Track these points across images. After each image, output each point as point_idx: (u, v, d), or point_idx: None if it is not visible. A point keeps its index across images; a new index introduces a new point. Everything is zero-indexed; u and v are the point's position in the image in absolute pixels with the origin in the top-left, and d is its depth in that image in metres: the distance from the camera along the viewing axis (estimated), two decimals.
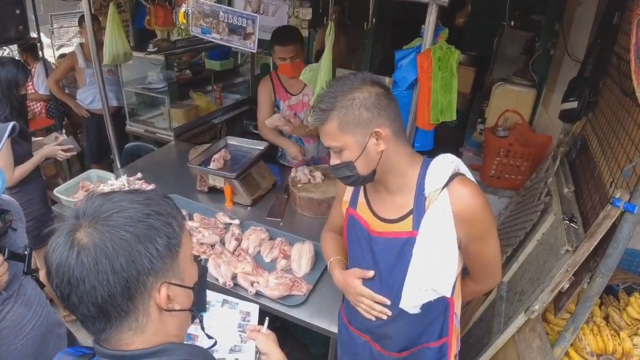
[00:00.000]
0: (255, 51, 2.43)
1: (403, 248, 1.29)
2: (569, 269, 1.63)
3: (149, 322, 0.77)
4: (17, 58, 3.35)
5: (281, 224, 2.42)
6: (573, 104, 2.36)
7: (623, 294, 2.03)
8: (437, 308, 1.41)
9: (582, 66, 2.48)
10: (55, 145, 2.56)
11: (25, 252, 1.42)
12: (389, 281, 1.36)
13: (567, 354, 1.69)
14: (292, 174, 2.61)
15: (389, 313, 1.39)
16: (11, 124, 1.45)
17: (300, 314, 1.82)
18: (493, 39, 4.21)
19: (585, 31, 2.60)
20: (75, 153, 2.67)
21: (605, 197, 1.78)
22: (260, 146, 2.80)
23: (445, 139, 3.97)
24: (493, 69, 4.21)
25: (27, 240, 1.56)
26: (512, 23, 3.83)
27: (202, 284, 0.94)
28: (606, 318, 1.86)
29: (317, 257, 2.08)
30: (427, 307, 1.36)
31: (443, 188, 1.22)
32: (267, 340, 1.19)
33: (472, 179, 1.29)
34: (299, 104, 2.75)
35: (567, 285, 1.69)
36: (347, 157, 1.21)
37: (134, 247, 0.72)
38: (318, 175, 2.57)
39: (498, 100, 3.29)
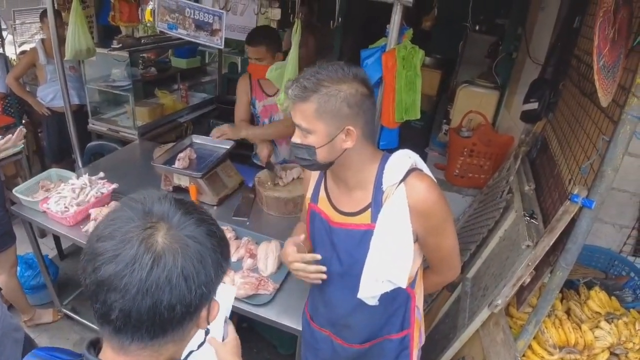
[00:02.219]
0: (222, 47, 2.40)
1: (361, 240, 1.31)
2: (529, 264, 1.68)
3: (187, 336, 0.76)
4: None
5: (248, 223, 2.39)
6: (534, 105, 2.44)
7: (584, 288, 2.10)
8: (397, 300, 1.42)
9: (543, 69, 2.55)
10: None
11: None
12: (349, 271, 1.37)
13: (530, 347, 1.73)
14: (259, 174, 2.59)
15: (324, 269, 1.36)
16: None
17: (267, 313, 1.80)
18: (459, 43, 4.30)
19: (546, 35, 2.69)
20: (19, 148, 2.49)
21: (564, 193, 1.84)
22: (226, 145, 2.75)
23: (412, 139, 4.00)
24: (459, 71, 4.29)
25: None
26: (477, 27, 3.93)
27: None
28: (568, 312, 1.92)
29: None
30: (387, 299, 1.36)
31: (400, 182, 1.24)
32: (225, 351, 1.07)
33: (430, 174, 1.31)
34: (274, 106, 2.72)
35: (528, 280, 1.73)
36: (312, 141, 1.20)
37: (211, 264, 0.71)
38: (290, 173, 2.56)
39: (462, 102, 3.35)
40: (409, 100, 1.78)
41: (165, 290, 0.65)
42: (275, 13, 3.60)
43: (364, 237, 1.29)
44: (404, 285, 1.31)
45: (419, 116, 1.89)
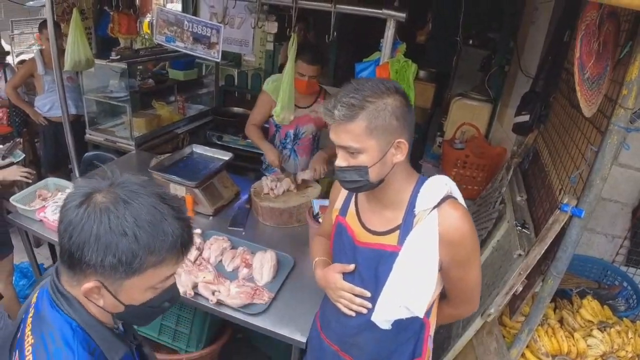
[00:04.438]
0: (219, 60, 2.44)
1: (385, 261, 1.28)
2: (521, 272, 1.70)
3: (78, 287, 0.89)
4: None
5: (243, 233, 2.40)
6: (525, 117, 2.48)
7: (576, 297, 2.13)
8: (411, 327, 1.39)
9: (534, 81, 2.61)
10: (18, 170, 2.45)
11: None
12: (367, 291, 1.35)
13: (523, 355, 1.74)
14: (254, 184, 2.62)
15: (369, 305, 1.35)
16: None
17: (263, 323, 1.81)
18: (453, 57, 4.38)
19: (537, 48, 2.75)
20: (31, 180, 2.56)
21: (555, 203, 1.87)
22: (224, 156, 2.79)
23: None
24: (453, 84, 4.36)
25: None
26: (470, 41, 4.00)
27: (146, 312, 0.98)
28: (561, 321, 1.94)
29: (280, 265, 2.09)
30: (400, 326, 1.34)
31: (434, 208, 1.22)
32: None
33: (464, 203, 1.29)
34: (305, 117, 2.76)
35: (520, 288, 1.75)
36: (363, 161, 1.17)
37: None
38: (281, 185, 2.58)
39: (456, 114, 3.40)
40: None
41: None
42: (272, 26, 3.67)
43: (389, 259, 1.27)
44: (421, 315, 1.28)
45: None
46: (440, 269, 1.28)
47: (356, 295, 1.37)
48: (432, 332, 1.48)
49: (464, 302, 1.43)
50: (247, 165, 3.80)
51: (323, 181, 2.86)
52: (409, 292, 1.25)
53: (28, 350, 0.88)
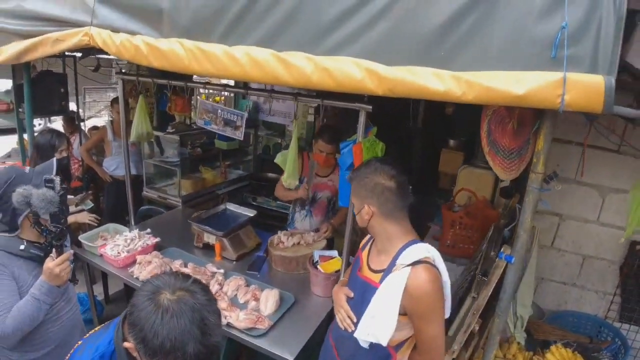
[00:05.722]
0: (242, 139, 3.05)
1: (370, 293, 1.65)
2: (474, 312, 2.03)
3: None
4: (55, 128, 4.06)
5: (258, 276, 2.85)
6: (506, 183, 2.86)
7: (557, 347, 2.35)
8: (377, 353, 1.73)
9: None
10: (87, 215, 3.16)
11: (71, 265, 1.87)
12: (354, 312, 1.77)
13: None
14: (271, 237, 3.11)
15: (352, 327, 1.75)
16: (55, 159, 1.99)
17: (262, 343, 2.21)
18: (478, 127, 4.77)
19: None
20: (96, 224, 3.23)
21: None
22: (250, 213, 3.34)
23: (422, 212, 4.43)
24: (477, 152, 4.74)
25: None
26: None
27: None
28: None
29: (282, 301, 2.50)
30: (372, 349, 1.69)
31: (409, 265, 1.56)
32: None
33: (442, 273, 1.63)
34: (323, 185, 3.31)
35: (477, 327, 2.06)
36: (355, 209, 1.74)
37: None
38: (291, 238, 3.06)
39: (463, 181, 3.77)
40: None
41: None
42: (312, 102, 4.34)
43: (372, 292, 1.64)
44: (383, 343, 1.61)
45: None
46: (407, 315, 1.61)
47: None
48: None
49: (424, 352, 1.69)
50: (275, 223, 4.31)
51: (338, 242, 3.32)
52: (375, 322, 1.60)
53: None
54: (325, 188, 3.32)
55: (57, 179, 1.75)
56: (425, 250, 1.63)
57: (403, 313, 1.60)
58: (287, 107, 5.57)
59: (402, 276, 1.56)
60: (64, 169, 3.09)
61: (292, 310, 2.50)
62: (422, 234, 3.69)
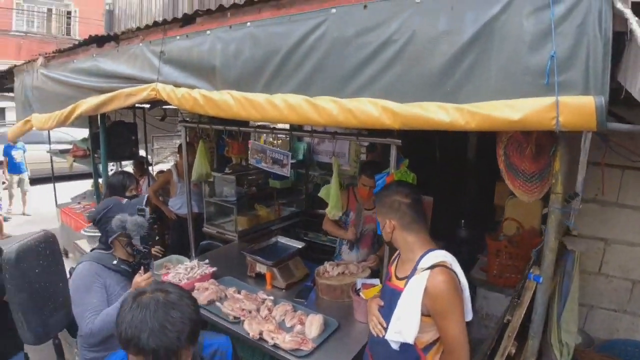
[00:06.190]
0: (288, 176, 3.35)
1: (396, 298, 1.86)
2: (509, 335, 2.07)
3: None
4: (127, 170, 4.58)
5: (305, 303, 3.03)
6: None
7: None
8: (408, 355, 1.90)
9: None
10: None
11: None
12: (385, 318, 1.96)
13: None
14: (318, 267, 3.30)
15: (384, 332, 1.93)
16: (146, 195, 2.40)
17: None
18: None
19: None
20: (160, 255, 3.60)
21: None
22: (299, 245, 3.58)
23: (471, 245, 4.44)
24: None
25: None
26: None
27: None
28: None
29: (326, 326, 2.66)
30: (401, 349, 1.88)
31: (428, 268, 1.78)
32: None
33: (459, 275, 1.85)
34: (368, 217, 3.52)
35: (513, 350, 2.09)
36: (380, 225, 2.01)
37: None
38: (336, 268, 3.24)
39: (510, 211, 3.79)
40: None
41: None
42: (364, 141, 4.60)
43: (398, 296, 1.85)
44: (410, 342, 1.81)
45: None
46: (429, 315, 1.79)
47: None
48: None
49: (449, 352, 1.83)
50: (324, 257, 4.49)
51: None
52: (401, 322, 1.81)
53: None
54: (370, 221, 3.49)
55: (147, 209, 2.18)
56: (443, 255, 1.84)
57: (427, 314, 1.77)
58: (340, 146, 5.85)
59: (422, 278, 1.76)
60: None
61: (336, 335, 2.64)
62: (470, 266, 3.72)
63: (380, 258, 3.37)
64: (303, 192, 5.75)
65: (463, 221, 4.95)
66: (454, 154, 6.10)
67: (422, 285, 1.76)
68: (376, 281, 2.98)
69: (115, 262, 2.31)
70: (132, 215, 2.20)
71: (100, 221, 2.33)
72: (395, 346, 1.89)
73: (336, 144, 5.69)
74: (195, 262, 3.30)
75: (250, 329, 2.58)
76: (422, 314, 1.76)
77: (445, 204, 4.19)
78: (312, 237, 4.95)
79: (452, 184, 5.58)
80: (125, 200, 2.40)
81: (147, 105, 5.76)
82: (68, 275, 2.26)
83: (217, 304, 2.88)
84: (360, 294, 2.80)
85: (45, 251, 1.30)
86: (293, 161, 3.92)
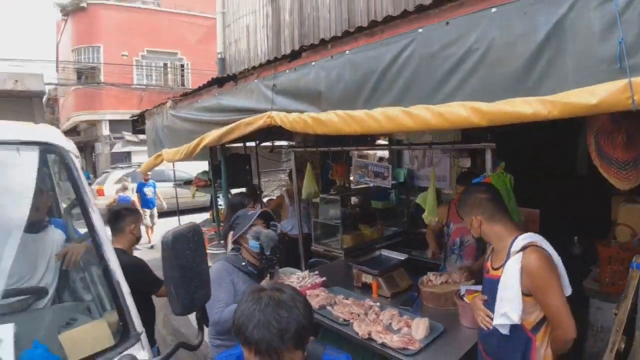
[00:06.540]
0: (389, 187, 3.56)
1: (494, 286, 2.04)
2: (617, 329, 2.04)
3: None
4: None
5: (410, 310, 3.16)
6: None
7: None
8: (518, 338, 2.00)
9: None
10: None
11: None
12: (490, 310, 2.10)
13: None
14: (422, 277, 3.42)
15: (492, 323, 2.06)
16: (260, 210, 2.81)
17: None
18: None
19: None
20: None
21: None
22: (401, 257, 3.74)
23: (584, 258, 4.21)
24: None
25: None
26: None
27: None
28: None
29: (431, 329, 2.76)
30: (511, 334, 1.99)
31: (520, 250, 1.92)
32: None
33: (551, 253, 1.94)
34: (465, 229, 3.61)
35: (622, 345, 2.04)
36: (468, 225, 2.21)
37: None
38: (439, 278, 3.33)
39: (624, 217, 3.59)
40: (511, 207, 2.52)
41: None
42: (466, 161, 4.71)
43: (497, 284, 2.00)
44: (515, 321, 1.92)
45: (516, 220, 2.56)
46: (530, 295, 1.91)
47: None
48: (541, 349, 1.98)
49: (555, 327, 1.93)
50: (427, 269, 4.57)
51: None
52: (504, 304, 1.94)
53: None
54: (468, 232, 3.54)
55: (278, 225, 2.58)
56: (530, 237, 1.97)
57: (527, 294, 1.88)
58: (441, 170, 5.91)
59: (517, 260, 1.89)
60: None
61: (441, 338, 2.73)
62: (582, 278, 3.56)
63: (472, 270, 3.36)
64: (405, 214, 5.89)
65: (576, 237, 4.70)
66: (564, 167, 5.84)
67: (518, 265, 1.88)
68: (479, 287, 3.01)
69: (243, 263, 2.70)
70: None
71: (234, 221, 2.81)
72: (504, 330, 1.98)
73: (437, 165, 5.81)
74: (306, 272, 3.63)
75: (360, 329, 2.79)
76: (523, 294, 1.86)
77: (555, 219, 4.07)
78: (415, 255, 5.04)
79: (563, 199, 5.33)
80: (251, 211, 2.82)
81: (257, 142, 6.41)
82: None
83: (328, 308, 3.14)
84: (465, 298, 2.88)
85: (194, 238, 1.63)
86: (394, 182, 4.13)
